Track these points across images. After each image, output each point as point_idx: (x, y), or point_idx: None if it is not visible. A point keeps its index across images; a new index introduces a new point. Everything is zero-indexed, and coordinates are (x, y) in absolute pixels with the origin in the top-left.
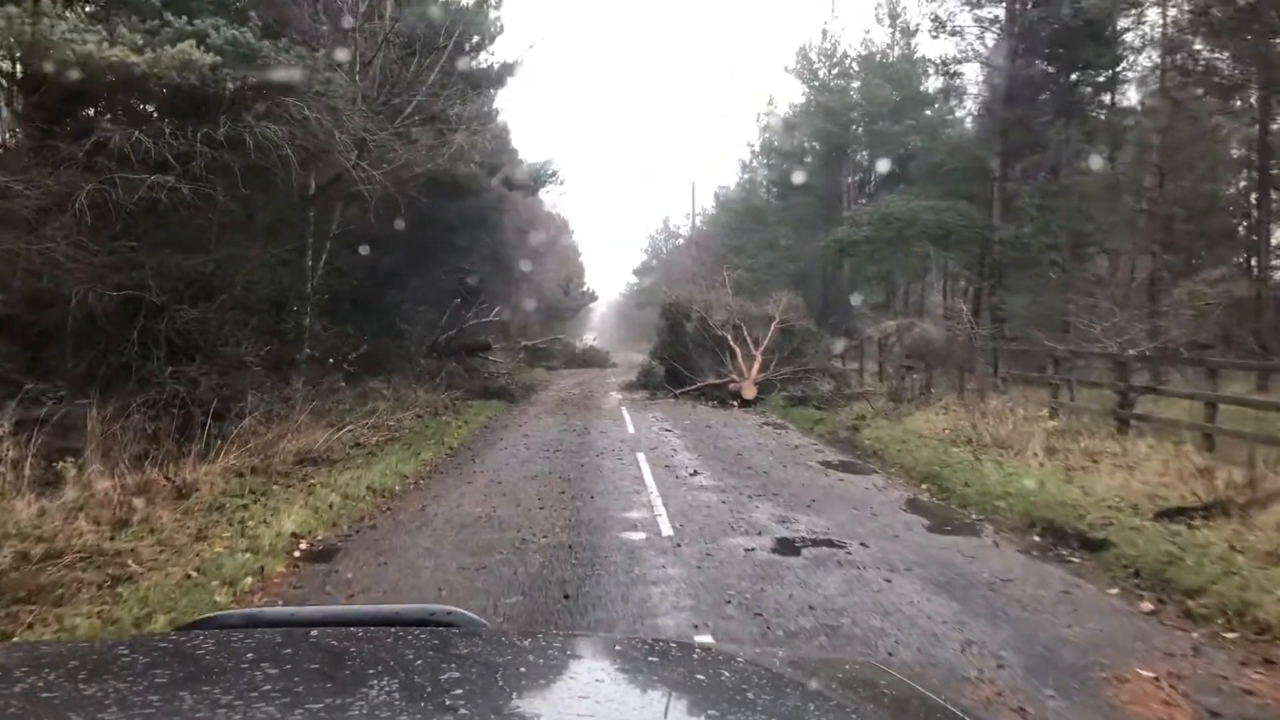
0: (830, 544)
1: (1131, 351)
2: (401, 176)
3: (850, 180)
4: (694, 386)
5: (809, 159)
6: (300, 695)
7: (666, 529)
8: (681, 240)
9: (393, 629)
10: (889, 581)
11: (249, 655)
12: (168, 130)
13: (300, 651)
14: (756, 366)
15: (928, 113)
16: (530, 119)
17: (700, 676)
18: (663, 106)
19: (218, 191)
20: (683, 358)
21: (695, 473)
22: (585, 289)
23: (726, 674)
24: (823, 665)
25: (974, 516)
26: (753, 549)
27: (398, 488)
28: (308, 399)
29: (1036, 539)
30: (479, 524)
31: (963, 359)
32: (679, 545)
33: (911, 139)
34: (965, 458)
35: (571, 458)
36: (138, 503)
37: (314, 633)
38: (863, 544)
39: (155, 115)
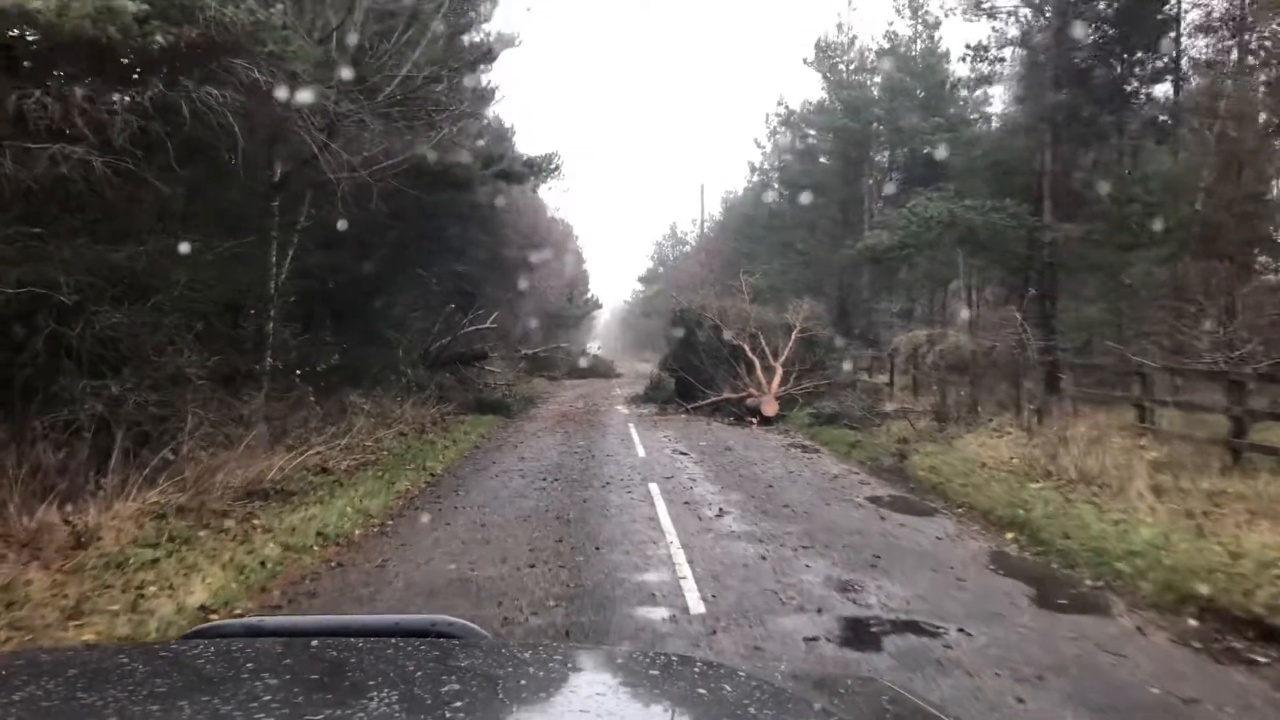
0: (917, 629)
1: (1251, 369)
2: (382, 164)
3: (871, 181)
4: (708, 401)
5: (825, 159)
6: (300, 706)
7: (695, 602)
8: (689, 247)
9: (393, 640)
10: (1022, 702)
11: (249, 665)
12: (79, 93)
13: (300, 662)
14: (777, 380)
15: (952, 111)
16: (532, 124)
17: (701, 691)
18: (669, 109)
19: (146, 169)
20: (695, 369)
21: (722, 512)
22: (589, 296)
23: (728, 688)
24: (825, 680)
25: (1089, 583)
26: (815, 638)
27: (357, 532)
28: (268, 418)
29: (1192, 623)
30: (450, 591)
31: (1017, 373)
32: (714, 632)
33: (939, 135)
34: (1051, 497)
35: (572, 490)
36: (11, 558)
37: (314, 643)
38: (961, 630)
39: (64, 75)
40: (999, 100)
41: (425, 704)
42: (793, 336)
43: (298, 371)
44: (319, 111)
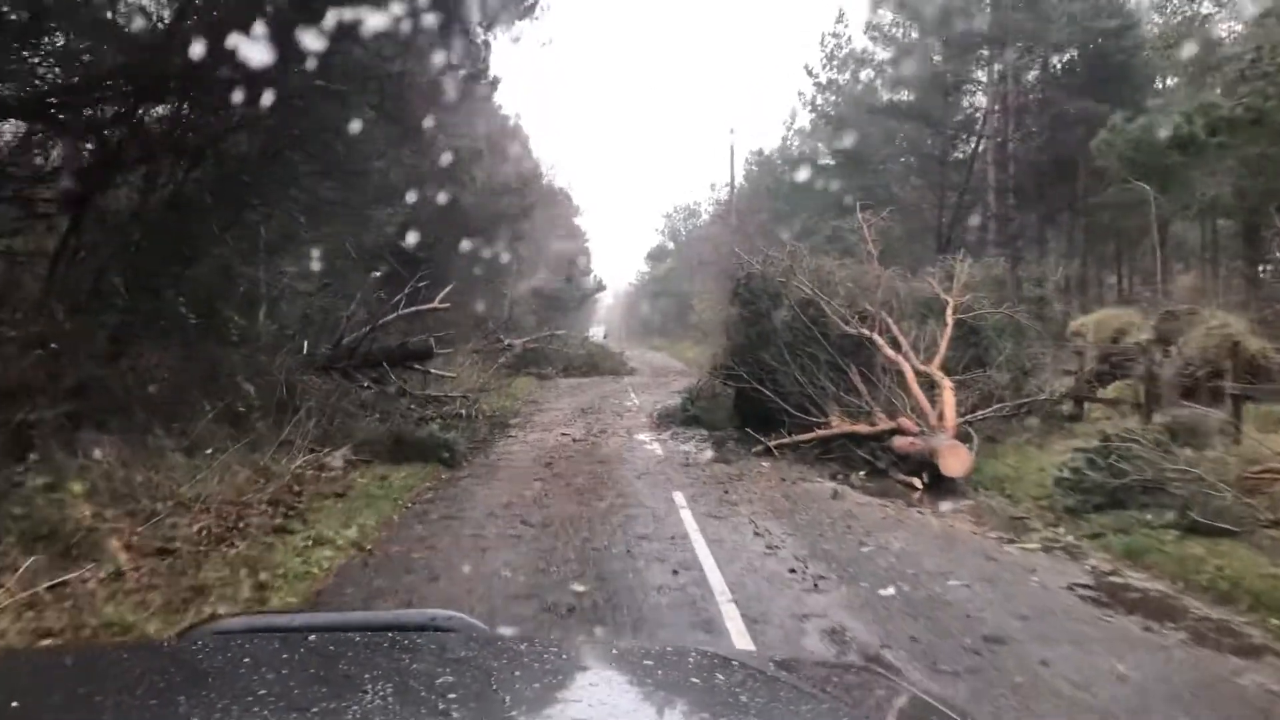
0: None
1: None
2: None
3: (1002, 89)
4: (809, 436)
5: (912, 64)
6: (295, 699)
7: None
8: (704, 217)
9: (390, 634)
10: None
11: (246, 660)
12: None
13: (297, 657)
14: (950, 400)
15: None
16: (518, 87)
17: (695, 680)
18: (679, 67)
19: None
20: (771, 373)
21: None
22: (592, 276)
23: (721, 678)
24: (818, 669)
25: None
26: None
27: None
28: None
29: None
30: None
31: None
32: None
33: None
34: None
35: None
36: None
37: (312, 638)
38: None
39: None
40: None
41: (419, 696)
42: (948, 319)
43: None
44: None
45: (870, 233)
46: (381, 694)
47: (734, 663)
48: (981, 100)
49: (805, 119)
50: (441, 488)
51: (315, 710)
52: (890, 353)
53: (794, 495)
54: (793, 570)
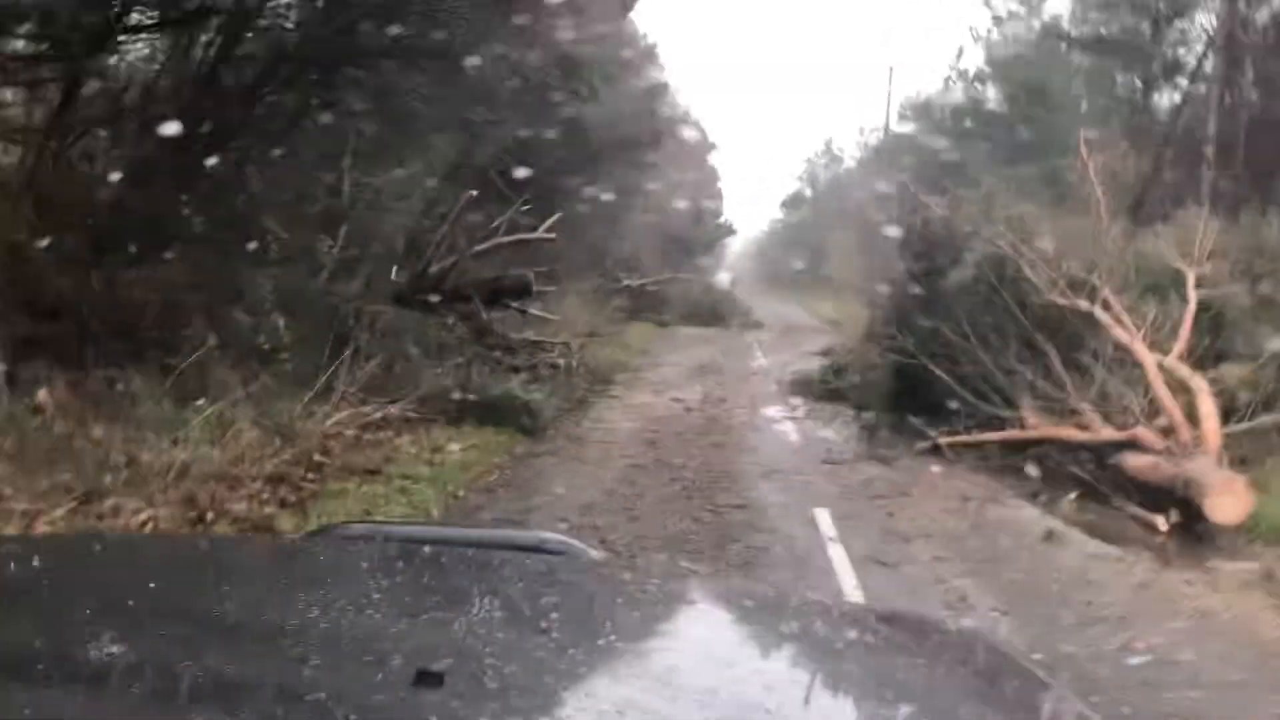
0: None
1: None
2: None
3: (1232, 20)
4: (995, 436)
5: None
6: (408, 606)
7: None
8: (851, 162)
9: (503, 552)
10: None
11: (365, 564)
12: None
13: (413, 566)
14: (1209, 407)
15: None
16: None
17: (794, 625)
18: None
19: None
20: (944, 346)
21: None
22: (723, 219)
23: (820, 625)
24: (918, 625)
25: None
26: None
27: None
28: None
29: None
30: None
31: None
32: None
33: None
34: None
35: None
36: None
37: (428, 549)
38: None
39: None
40: None
41: (524, 615)
42: (1190, 298)
43: None
44: None
45: (1096, 174)
46: (487, 608)
47: (834, 612)
48: (1197, 35)
49: (974, 58)
50: (510, 468)
51: (425, 617)
52: (1121, 334)
53: (987, 528)
54: None
